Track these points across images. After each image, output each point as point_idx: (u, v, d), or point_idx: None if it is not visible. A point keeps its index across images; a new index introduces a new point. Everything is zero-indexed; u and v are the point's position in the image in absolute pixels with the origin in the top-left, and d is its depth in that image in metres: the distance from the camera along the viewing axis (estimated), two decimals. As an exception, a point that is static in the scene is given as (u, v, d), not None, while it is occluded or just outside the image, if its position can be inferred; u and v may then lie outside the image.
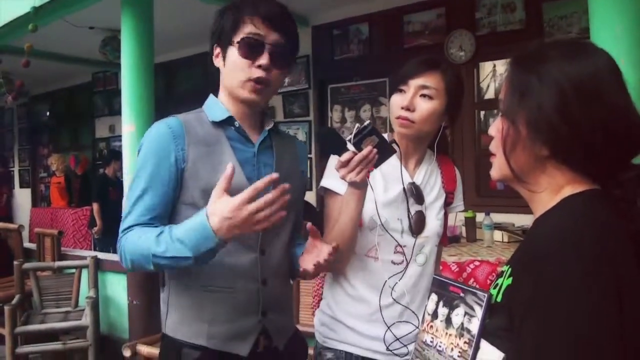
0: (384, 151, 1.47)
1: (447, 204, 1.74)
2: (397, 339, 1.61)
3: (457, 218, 4.12)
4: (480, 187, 4.85)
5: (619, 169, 0.97)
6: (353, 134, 1.44)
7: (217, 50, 1.52)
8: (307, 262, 1.49)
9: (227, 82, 1.50)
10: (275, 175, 1.28)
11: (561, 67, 0.96)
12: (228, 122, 1.52)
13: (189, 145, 1.45)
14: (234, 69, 1.46)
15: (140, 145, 1.50)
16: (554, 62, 0.97)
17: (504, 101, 1.03)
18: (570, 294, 0.83)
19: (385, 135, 1.71)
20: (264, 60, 1.44)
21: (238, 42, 1.44)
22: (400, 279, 1.63)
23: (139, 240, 1.38)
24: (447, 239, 1.87)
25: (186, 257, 1.31)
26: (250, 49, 1.44)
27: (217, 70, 1.55)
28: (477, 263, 3.19)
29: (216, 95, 1.58)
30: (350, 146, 1.45)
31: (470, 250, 3.68)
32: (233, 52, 1.46)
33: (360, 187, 1.50)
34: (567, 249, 0.86)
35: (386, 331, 1.60)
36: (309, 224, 1.47)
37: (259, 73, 1.44)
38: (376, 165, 1.48)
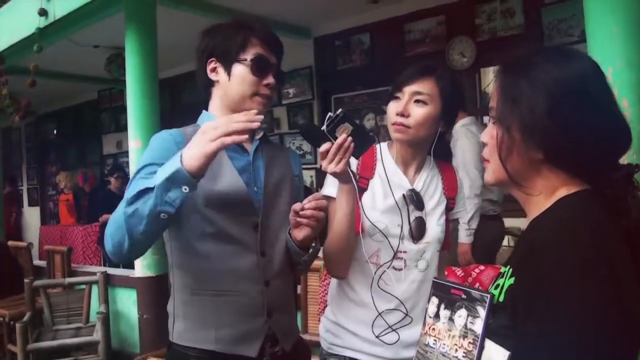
0: (362, 139, 1.49)
1: (449, 209, 1.76)
2: (390, 327, 1.62)
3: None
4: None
5: (608, 169, 1.00)
6: (325, 122, 1.47)
7: (213, 65, 1.59)
8: (301, 231, 1.52)
9: (231, 94, 1.57)
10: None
11: (550, 72, 0.99)
12: None
13: None
14: (242, 84, 1.55)
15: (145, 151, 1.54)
16: (543, 67, 1.00)
17: (496, 108, 1.06)
18: (571, 285, 0.86)
19: (385, 144, 1.74)
20: (270, 79, 1.57)
21: (251, 60, 1.54)
22: (402, 284, 1.65)
23: (118, 207, 1.39)
24: (451, 245, 1.87)
25: (150, 187, 1.30)
26: (261, 68, 1.55)
27: (208, 83, 1.62)
28: (482, 267, 3.18)
29: (206, 108, 1.65)
30: (327, 135, 1.47)
31: (476, 255, 3.68)
32: (241, 68, 1.55)
33: (343, 178, 1.53)
34: (564, 244, 0.89)
35: (376, 317, 1.62)
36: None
37: (266, 91, 1.57)
38: (356, 155, 1.50)
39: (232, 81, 1.56)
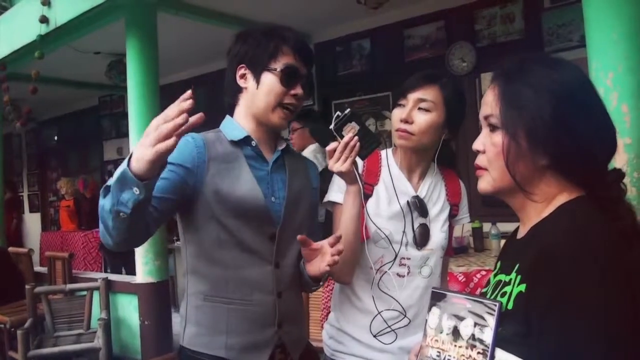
0: (368, 140, 1.51)
1: (452, 216, 1.76)
2: (388, 326, 1.63)
3: (464, 228, 4.16)
4: (486, 197, 4.82)
5: (602, 173, 1.02)
6: (333, 121, 1.50)
7: (243, 71, 1.58)
8: (315, 267, 1.51)
9: (257, 103, 1.56)
10: (189, 92, 1.16)
11: (551, 77, 1.00)
12: (245, 141, 1.58)
13: (209, 160, 1.51)
14: (269, 93, 1.54)
15: None
16: (543, 73, 1.01)
17: (500, 116, 1.05)
18: (590, 293, 0.86)
19: (390, 150, 1.75)
20: (299, 90, 1.56)
21: (281, 70, 1.53)
22: (405, 291, 1.65)
23: None
24: (453, 250, 1.88)
25: (108, 185, 1.23)
26: (290, 79, 1.54)
27: (236, 89, 1.61)
28: (483, 273, 3.19)
29: (231, 114, 1.64)
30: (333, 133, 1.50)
31: (478, 260, 3.68)
32: (270, 77, 1.54)
33: (349, 178, 1.54)
34: (579, 252, 0.89)
35: (375, 317, 1.62)
36: (298, 236, 1.48)
37: (292, 100, 1.56)
38: (362, 156, 1.52)
39: (260, 89, 1.55)
